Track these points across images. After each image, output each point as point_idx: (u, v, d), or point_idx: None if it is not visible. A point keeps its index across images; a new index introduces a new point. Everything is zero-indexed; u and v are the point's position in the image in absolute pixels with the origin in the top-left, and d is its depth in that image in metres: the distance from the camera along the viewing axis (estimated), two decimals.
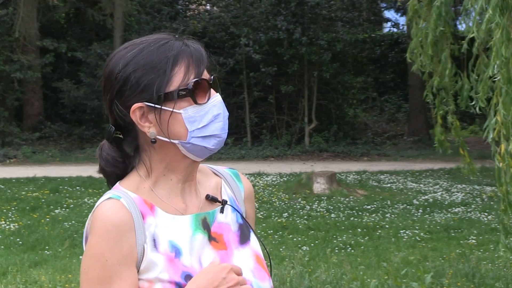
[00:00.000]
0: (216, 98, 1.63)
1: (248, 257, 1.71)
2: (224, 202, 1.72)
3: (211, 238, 1.66)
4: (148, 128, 1.60)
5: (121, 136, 1.67)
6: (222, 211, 1.70)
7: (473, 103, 5.95)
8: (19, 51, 18.94)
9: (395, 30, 26.10)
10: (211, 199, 1.71)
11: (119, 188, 1.63)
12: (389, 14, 26.86)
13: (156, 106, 1.58)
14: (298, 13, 19.52)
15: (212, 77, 1.64)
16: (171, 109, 1.58)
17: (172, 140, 1.61)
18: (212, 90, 1.63)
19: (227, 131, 1.65)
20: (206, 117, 1.60)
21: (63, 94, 19.85)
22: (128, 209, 1.57)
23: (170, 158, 1.64)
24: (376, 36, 23.60)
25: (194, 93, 1.59)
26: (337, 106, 21.28)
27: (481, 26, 5.22)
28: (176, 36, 1.66)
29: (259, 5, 20.02)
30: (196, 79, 1.59)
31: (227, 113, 1.66)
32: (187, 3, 23.02)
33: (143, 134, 1.63)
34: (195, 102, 1.59)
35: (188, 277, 1.58)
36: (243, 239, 1.72)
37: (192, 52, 1.61)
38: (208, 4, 22.89)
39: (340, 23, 20.24)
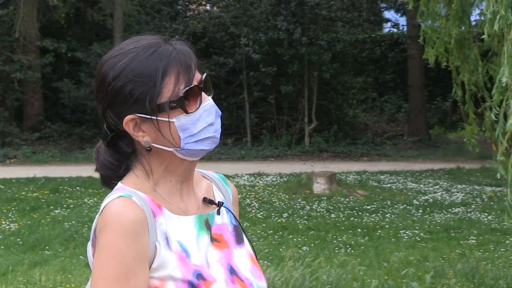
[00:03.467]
0: (207, 102, 1.64)
1: (245, 257, 1.74)
2: (220, 204, 1.74)
3: (212, 239, 1.68)
4: (142, 137, 1.62)
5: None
6: (218, 213, 1.73)
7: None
8: (19, 51, 18.94)
9: (395, 30, 26.11)
10: (208, 202, 1.73)
11: (124, 188, 1.63)
12: (389, 14, 26.90)
13: (148, 117, 1.60)
14: (298, 13, 19.52)
15: (203, 77, 1.65)
16: (163, 119, 1.60)
17: (166, 148, 1.63)
18: (203, 94, 1.64)
19: (220, 130, 1.67)
20: (199, 124, 1.62)
21: (63, 94, 19.86)
22: (140, 207, 1.57)
23: (168, 162, 1.66)
24: (376, 36, 23.59)
25: (185, 102, 1.60)
26: (337, 106, 21.28)
27: (493, 28, 5.21)
28: (165, 37, 1.65)
29: (259, 5, 20.03)
30: (185, 89, 1.60)
31: (220, 113, 1.67)
32: (187, 3, 23.01)
33: (138, 141, 1.65)
34: (186, 112, 1.60)
35: (199, 275, 1.59)
36: (239, 239, 1.76)
37: (181, 59, 1.61)
38: (208, 4, 22.89)
39: (340, 23, 20.23)
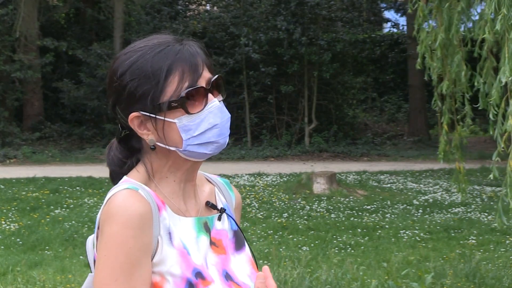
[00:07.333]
0: (213, 104, 1.62)
1: (244, 262, 1.74)
2: (222, 210, 1.74)
3: (211, 243, 1.68)
4: (147, 135, 1.63)
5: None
6: (219, 218, 1.73)
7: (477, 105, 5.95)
8: (20, 51, 18.94)
9: (395, 30, 26.12)
10: (210, 206, 1.73)
11: (130, 180, 1.63)
12: (389, 14, 26.93)
13: (151, 115, 1.60)
14: (298, 13, 19.52)
15: (212, 79, 1.64)
16: (164, 118, 1.60)
17: (170, 147, 1.63)
18: (210, 95, 1.63)
19: (226, 135, 1.65)
20: (202, 125, 1.61)
21: (63, 94, 19.87)
22: (146, 200, 1.57)
23: (172, 161, 1.66)
24: (376, 36, 23.59)
25: (187, 103, 1.59)
26: (337, 106, 21.29)
27: (495, 27, 5.19)
28: (177, 37, 1.65)
29: (259, 5, 20.04)
30: (188, 89, 1.59)
31: (228, 115, 1.66)
32: (187, 3, 23.02)
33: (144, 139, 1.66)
34: (187, 112, 1.60)
35: (198, 274, 1.59)
36: (238, 245, 1.75)
37: (188, 59, 1.61)
38: (208, 4, 22.90)
39: (340, 23, 20.25)
